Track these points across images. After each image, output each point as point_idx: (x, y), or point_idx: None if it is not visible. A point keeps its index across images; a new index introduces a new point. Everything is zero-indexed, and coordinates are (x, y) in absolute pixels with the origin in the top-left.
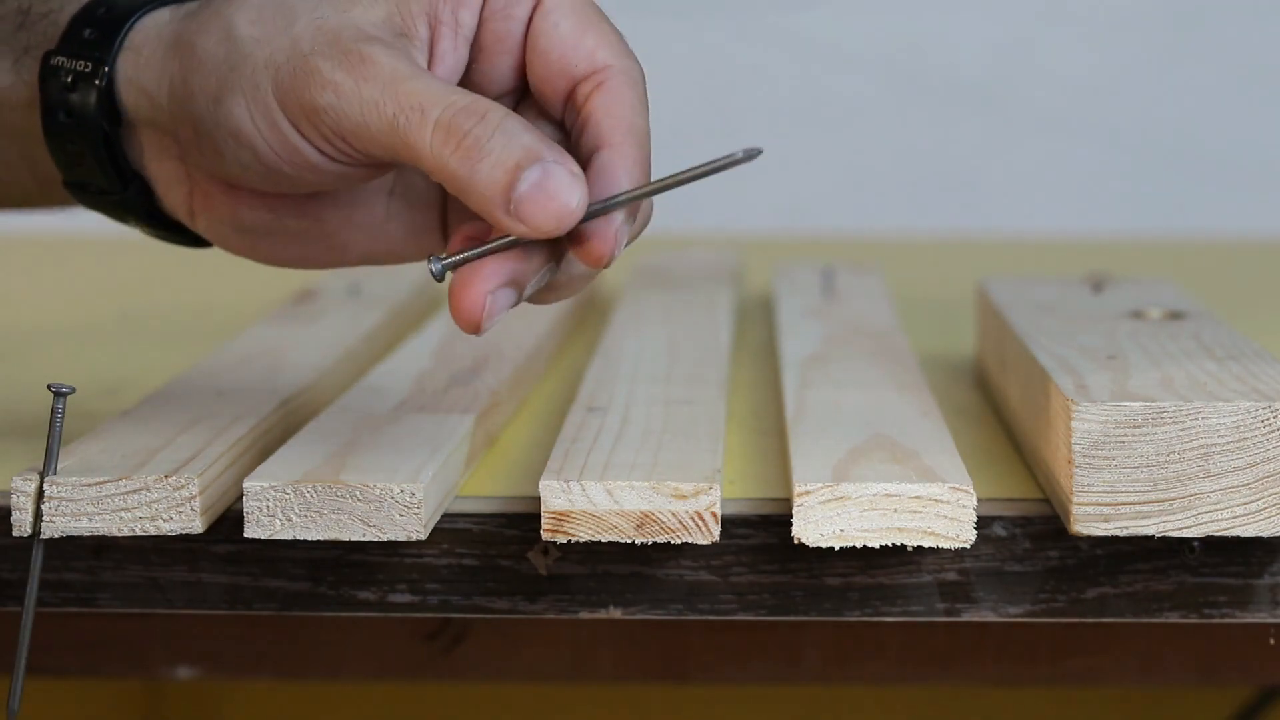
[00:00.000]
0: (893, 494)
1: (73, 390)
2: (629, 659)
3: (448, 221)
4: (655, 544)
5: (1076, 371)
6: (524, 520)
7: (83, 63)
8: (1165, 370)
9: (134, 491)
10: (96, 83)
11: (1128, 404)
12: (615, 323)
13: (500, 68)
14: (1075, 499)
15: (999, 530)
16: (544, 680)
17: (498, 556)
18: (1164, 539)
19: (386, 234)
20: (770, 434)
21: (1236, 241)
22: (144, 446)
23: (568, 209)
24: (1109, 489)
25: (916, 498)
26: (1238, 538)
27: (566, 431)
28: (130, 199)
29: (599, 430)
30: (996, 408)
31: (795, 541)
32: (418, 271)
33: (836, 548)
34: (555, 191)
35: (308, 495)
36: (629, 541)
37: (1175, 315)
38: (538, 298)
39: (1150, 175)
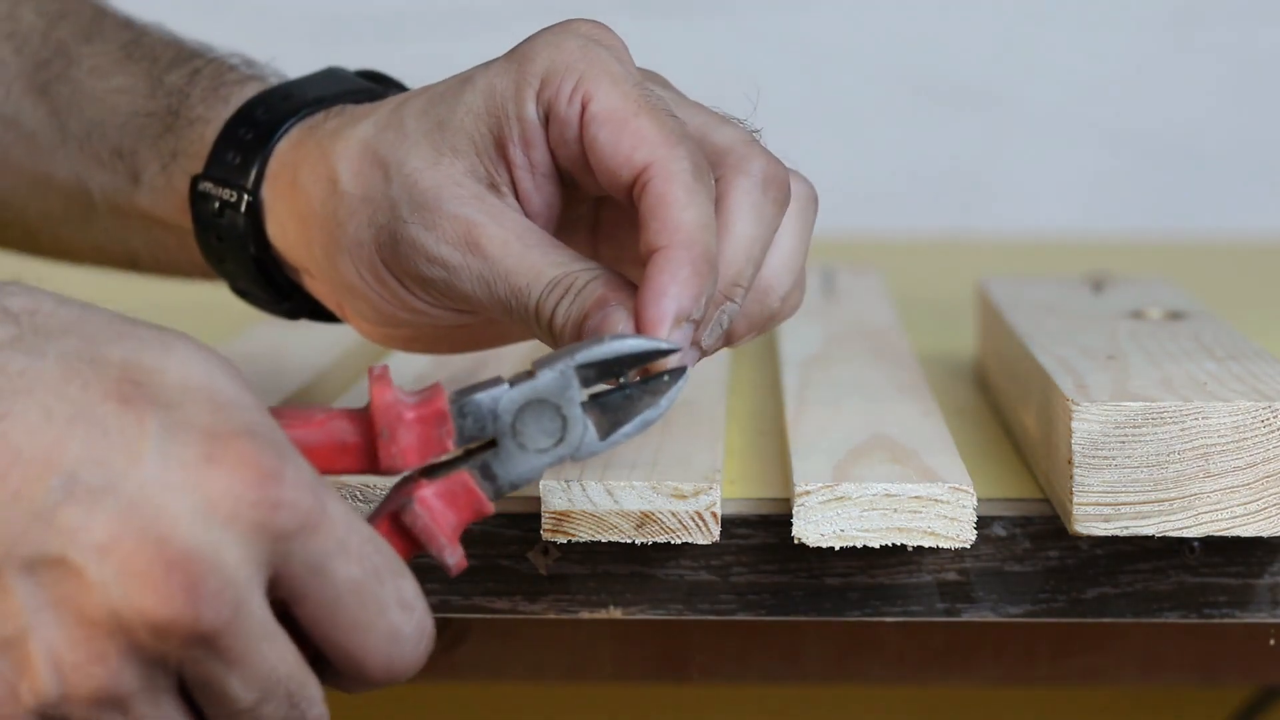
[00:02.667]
0: (893, 494)
1: None
2: (629, 659)
3: None
4: (655, 544)
5: (1076, 371)
6: (524, 520)
7: (229, 191)
8: (1165, 370)
9: None
10: (242, 211)
11: (1128, 404)
12: None
13: (592, 184)
14: (1075, 499)
15: (999, 530)
16: (544, 680)
17: (498, 556)
18: (1164, 539)
19: (515, 332)
20: (770, 434)
21: (1236, 242)
22: None
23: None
24: (1109, 489)
25: (916, 498)
26: (1237, 538)
27: None
28: (292, 309)
29: None
30: (996, 408)
31: (795, 541)
32: None
33: (836, 547)
34: (606, 329)
35: None
36: (629, 541)
37: (1175, 315)
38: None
39: (1150, 175)
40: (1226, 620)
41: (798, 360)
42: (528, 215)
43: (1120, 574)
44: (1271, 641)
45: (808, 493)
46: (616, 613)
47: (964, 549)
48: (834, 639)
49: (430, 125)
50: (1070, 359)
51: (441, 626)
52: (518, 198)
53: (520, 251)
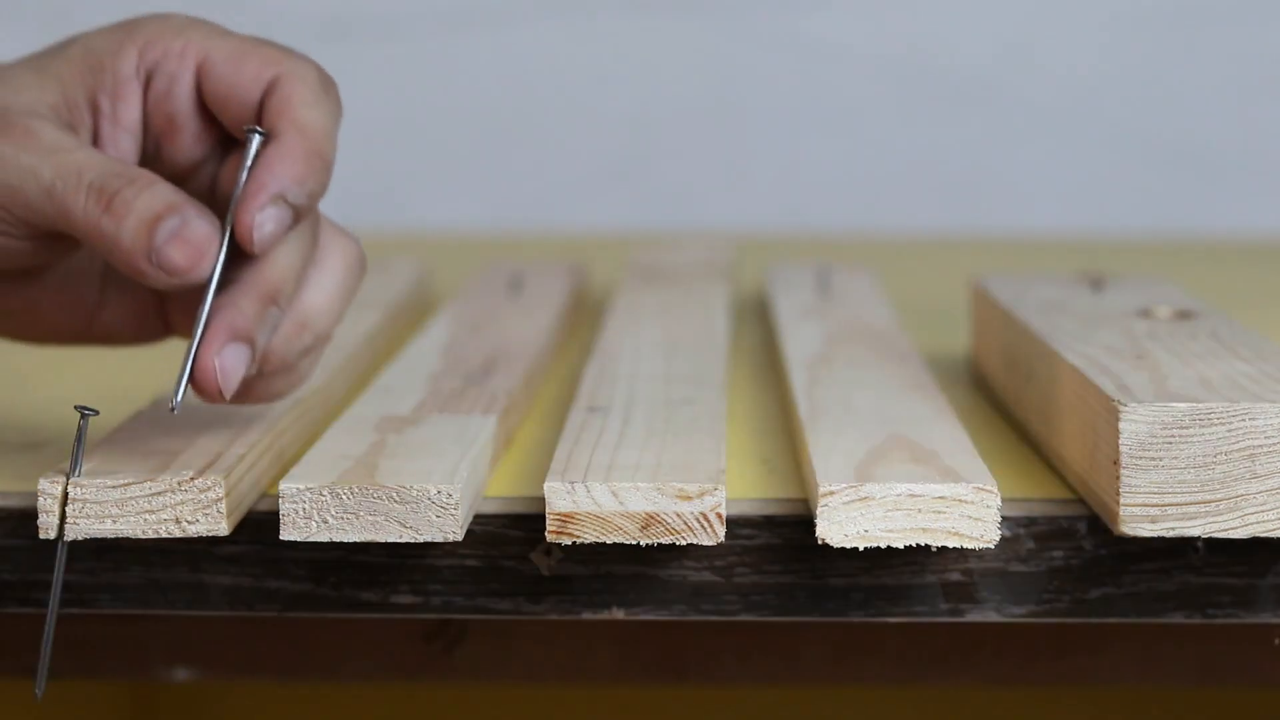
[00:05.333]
0: (917, 494)
1: (96, 413)
2: (630, 659)
3: (169, 308)
4: (659, 545)
5: (1112, 372)
6: (527, 521)
7: None
8: (1199, 370)
9: (159, 494)
10: None
11: (1175, 405)
12: (611, 321)
13: (185, 144)
14: (1122, 500)
15: (1003, 531)
16: (545, 681)
17: (500, 557)
18: (1164, 539)
19: (102, 320)
20: (770, 434)
21: (1232, 241)
22: (163, 449)
23: (200, 251)
24: (1156, 490)
25: (940, 498)
26: (1238, 539)
27: (568, 432)
28: None
29: (601, 431)
30: (997, 406)
31: (820, 542)
32: (412, 271)
33: (861, 548)
34: (190, 236)
35: (344, 497)
36: (633, 543)
37: (1184, 314)
38: (259, 388)
39: (1146, 175)
40: (1230, 621)
41: (802, 360)
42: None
43: (1124, 574)
44: (1276, 642)
45: (832, 493)
46: (619, 614)
47: (967, 549)
48: (834, 639)
49: (30, 69)
50: (1100, 359)
51: (443, 627)
52: (99, 141)
53: (75, 147)
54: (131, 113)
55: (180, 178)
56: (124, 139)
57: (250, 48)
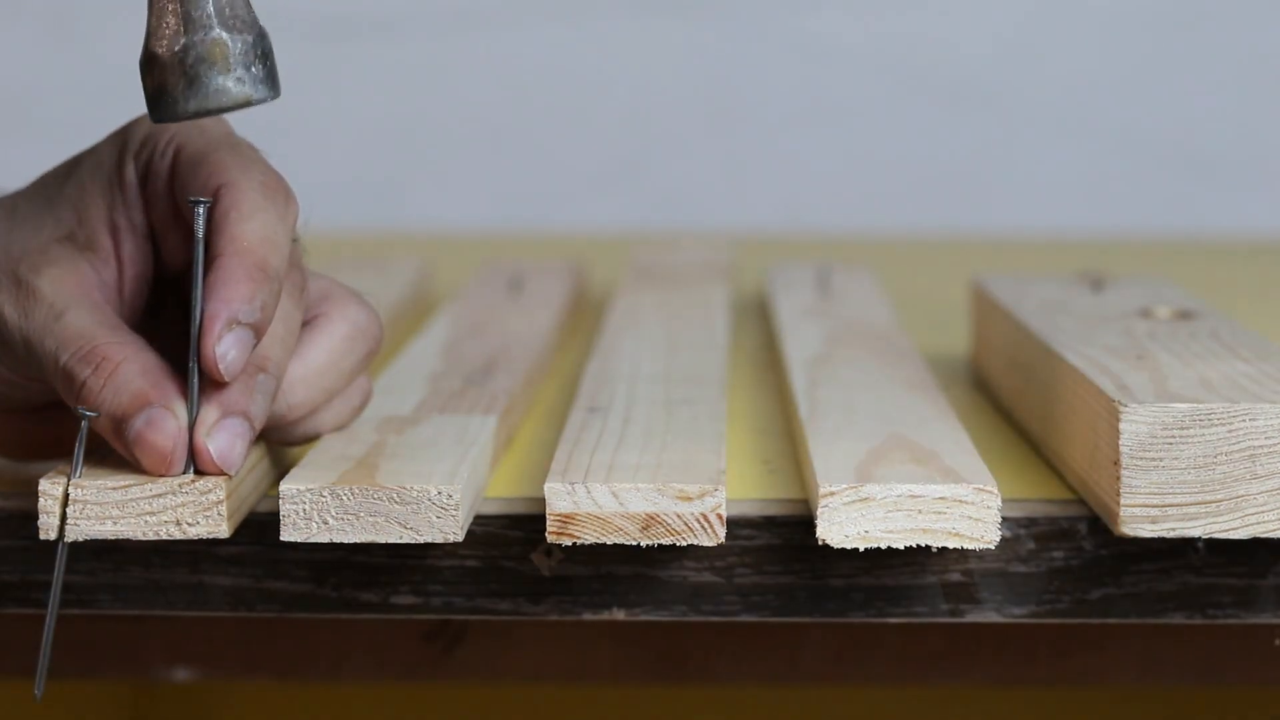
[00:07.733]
0: (917, 495)
1: (97, 414)
2: (630, 659)
3: None
4: (659, 545)
5: (1112, 372)
6: (528, 521)
7: None
8: (1199, 370)
9: (159, 495)
10: None
11: (1176, 405)
12: (611, 321)
13: (175, 245)
14: (1122, 500)
15: (1003, 531)
16: (545, 681)
17: (501, 558)
18: (1164, 540)
19: None
20: (770, 434)
21: (1232, 241)
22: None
23: (166, 451)
24: (1156, 490)
25: (941, 499)
26: (1240, 539)
27: (568, 433)
28: None
29: (601, 431)
30: (998, 407)
31: (820, 543)
32: (412, 271)
33: (861, 549)
34: (154, 440)
35: (345, 498)
36: (633, 544)
37: (1184, 314)
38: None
39: (1149, 175)
40: (1230, 621)
41: (802, 360)
42: (128, 277)
43: (1124, 575)
44: (1276, 642)
45: (832, 494)
46: (620, 614)
47: (968, 550)
48: (834, 639)
49: (40, 204)
50: (1100, 359)
51: (443, 627)
52: (120, 259)
53: (65, 308)
54: (140, 214)
55: (181, 274)
56: (144, 244)
57: (208, 153)
